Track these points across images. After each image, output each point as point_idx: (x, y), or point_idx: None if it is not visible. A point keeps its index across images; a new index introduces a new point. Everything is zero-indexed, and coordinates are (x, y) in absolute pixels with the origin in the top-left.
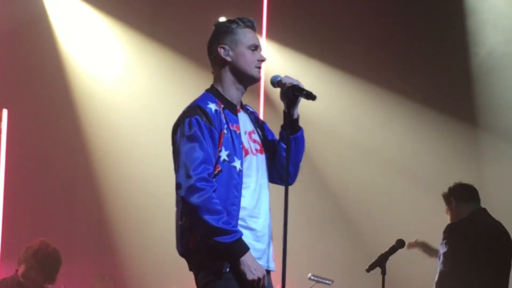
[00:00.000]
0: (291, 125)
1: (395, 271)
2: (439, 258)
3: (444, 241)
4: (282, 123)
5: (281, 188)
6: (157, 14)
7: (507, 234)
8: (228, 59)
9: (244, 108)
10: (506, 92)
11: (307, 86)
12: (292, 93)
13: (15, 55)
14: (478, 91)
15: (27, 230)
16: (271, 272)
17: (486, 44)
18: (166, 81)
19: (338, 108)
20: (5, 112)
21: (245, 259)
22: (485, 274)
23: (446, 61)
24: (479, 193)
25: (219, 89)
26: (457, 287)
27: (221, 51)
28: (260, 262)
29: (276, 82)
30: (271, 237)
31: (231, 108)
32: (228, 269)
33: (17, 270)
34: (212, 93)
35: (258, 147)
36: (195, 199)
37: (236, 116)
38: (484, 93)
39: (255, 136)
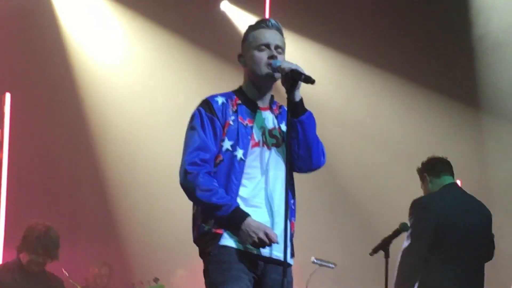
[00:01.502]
0: (294, 108)
1: (399, 254)
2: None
3: (409, 216)
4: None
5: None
6: None
7: (483, 211)
8: (244, 65)
9: (272, 108)
10: (509, 74)
11: (308, 70)
12: (292, 77)
13: (18, 39)
14: (480, 73)
15: (30, 214)
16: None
17: (488, 25)
18: (168, 64)
19: (342, 92)
20: (8, 96)
21: (243, 226)
22: (444, 253)
23: (449, 43)
24: (482, 176)
25: (243, 88)
26: (417, 264)
27: (240, 59)
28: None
29: (276, 67)
30: (282, 227)
31: (250, 105)
32: (216, 250)
33: (18, 256)
34: (235, 91)
35: (275, 141)
36: (186, 182)
37: (254, 112)
38: (486, 75)
39: (276, 132)
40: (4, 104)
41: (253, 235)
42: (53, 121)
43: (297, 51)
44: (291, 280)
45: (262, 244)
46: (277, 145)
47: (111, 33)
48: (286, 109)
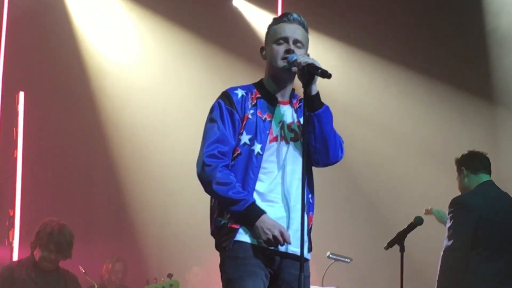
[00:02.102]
0: (311, 102)
1: (414, 248)
2: (446, 232)
3: (449, 215)
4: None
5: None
6: None
7: None
8: (265, 58)
9: (291, 102)
10: None
11: (324, 64)
12: (308, 71)
13: (31, 38)
14: (495, 67)
15: (45, 210)
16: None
17: (499, 18)
18: (181, 61)
19: (354, 86)
20: (21, 94)
21: (258, 223)
22: (486, 251)
23: (461, 36)
24: (496, 170)
25: (264, 82)
26: (459, 263)
27: (262, 52)
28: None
29: (292, 61)
30: (299, 222)
31: (269, 99)
32: (231, 245)
33: (32, 253)
34: (255, 84)
35: (293, 135)
36: (204, 174)
37: (274, 107)
38: (501, 69)
39: (294, 126)
40: (18, 102)
41: (268, 232)
42: (66, 119)
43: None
44: (308, 275)
45: (275, 243)
46: (295, 140)
47: (123, 31)
48: None
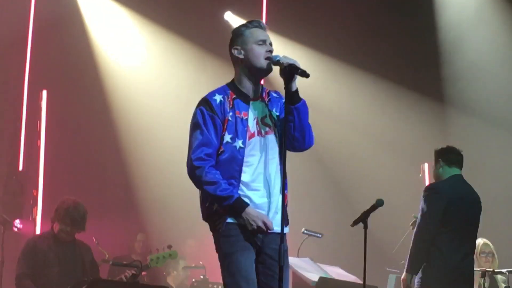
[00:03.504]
0: (291, 97)
1: (377, 226)
2: (419, 212)
3: (423, 198)
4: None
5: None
6: (172, 7)
7: (477, 198)
8: (241, 56)
9: (262, 96)
10: (469, 70)
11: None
12: (289, 70)
13: (53, 44)
14: (444, 70)
15: (64, 193)
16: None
17: (451, 23)
18: (180, 65)
19: (328, 91)
20: (44, 92)
21: (244, 214)
22: (452, 232)
23: (418, 47)
24: None
25: (236, 82)
26: (428, 238)
27: (235, 52)
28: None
29: (275, 61)
30: (278, 204)
31: (243, 98)
32: (223, 227)
33: (52, 227)
34: (229, 85)
35: (268, 129)
36: (195, 175)
37: (248, 104)
38: (449, 71)
39: (267, 120)
40: (41, 99)
41: (253, 223)
42: (82, 113)
43: (291, 55)
44: (286, 248)
45: (260, 231)
46: (270, 132)
47: (131, 39)
48: (274, 94)
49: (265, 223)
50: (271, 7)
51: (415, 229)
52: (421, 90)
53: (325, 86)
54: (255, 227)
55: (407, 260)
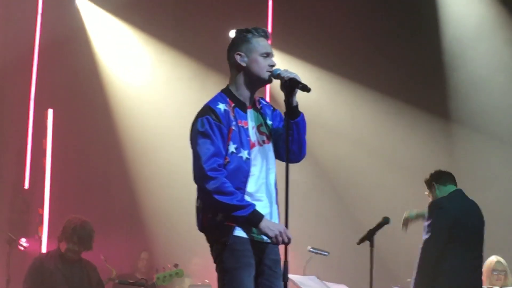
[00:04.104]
0: (291, 111)
1: (382, 244)
2: (424, 229)
3: (428, 215)
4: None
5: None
6: (178, 25)
7: (480, 211)
8: (243, 64)
9: (255, 104)
10: (473, 86)
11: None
12: (290, 85)
13: (59, 63)
14: (448, 86)
15: (70, 211)
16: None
17: (455, 38)
18: (185, 83)
19: (335, 108)
20: (50, 111)
21: (262, 224)
22: (459, 247)
23: (420, 61)
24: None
25: (232, 89)
26: (436, 254)
27: (238, 58)
28: (264, 237)
29: (276, 74)
30: (274, 213)
31: (241, 106)
32: (230, 240)
33: (59, 246)
34: (225, 93)
35: (265, 138)
36: (210, 186)
37: (245, 113)
38: (454, 88)
39: (263, 129)
40: (47, 118)
41: (274, 229)
42: (87, 132)
43: (295, 71)
44: (279, 258)
45: (282, 236)
46: (267, 141)
47: (137, 58)
48: (263, 102)
49: (284, 233)
50: (276, 25)
51: (422, 246)
52: (425, 106)
53: (331, 103)
54: (277, 233)
55: (415, 277)
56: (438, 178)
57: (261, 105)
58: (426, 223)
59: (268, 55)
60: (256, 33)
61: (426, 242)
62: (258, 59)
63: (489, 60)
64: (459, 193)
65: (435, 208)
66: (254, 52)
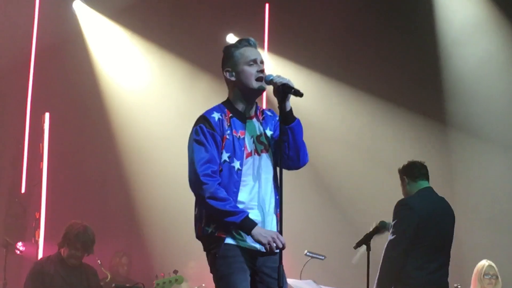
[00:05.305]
0: (285, 117)
1: (378, 246)
2: (390, 228)
3: (394, 214)
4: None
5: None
6: (174, 29)
7: (449, 209)
8: (232, 79)
9: (256, 115)
10: (473, 95)
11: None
12: (283, 90)
13: (56, 67)
14: (447, 94)
15: (66, 215)
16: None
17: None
18: (182, 87)
19: (331, 112)
20: (47, 115)
21: (254, 232)
22: (424, 247)
23: (417, 64)
24: (449, 185)
25: (232, 101)
26: (400, 254)
27: (227, 74)
28: (256, 245)
29: (269, 80)
30: (272, 223)
31: (239, 117)
32: (221, 250)
33: (59, 251)
34: (225, 104)
35: (263, 148)
36: (203, 191)
37: (244, 123)
38: (451, 92)
39: (262, 139)
40: (44, 122)
41: (267, 236)
42: (84, 136)
43: (292, 77)
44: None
45: (275, 242)
46: (265, 151)
47: (133, 62)
48: (268, 113)
49: (277, 240)
50: (272, 29)
51: (386, 245)
52: (421, 109)
53: (327, 107)
54: (270, 239)
55: (377, 277)
56: (409, 172)
57: (264, 116)
58: (393, 222)
59: (254, 61)
60: (239, 45)
61: (390, 242)
62: (244, 69)
63: (485, 63)
64: (428, 191)
65: (401, 208)
66: (239, 64)
